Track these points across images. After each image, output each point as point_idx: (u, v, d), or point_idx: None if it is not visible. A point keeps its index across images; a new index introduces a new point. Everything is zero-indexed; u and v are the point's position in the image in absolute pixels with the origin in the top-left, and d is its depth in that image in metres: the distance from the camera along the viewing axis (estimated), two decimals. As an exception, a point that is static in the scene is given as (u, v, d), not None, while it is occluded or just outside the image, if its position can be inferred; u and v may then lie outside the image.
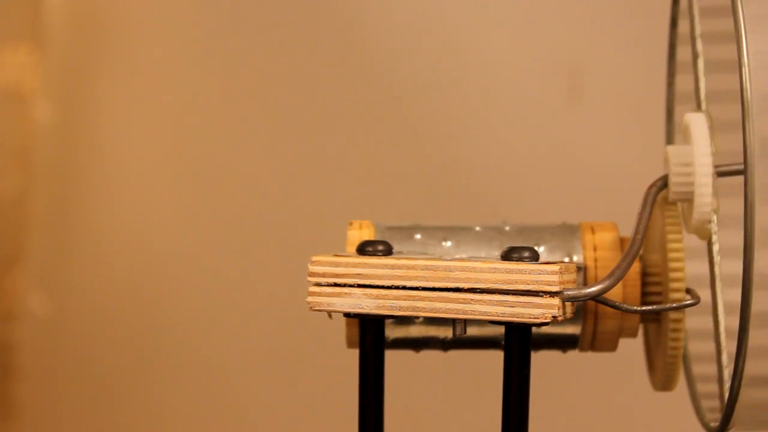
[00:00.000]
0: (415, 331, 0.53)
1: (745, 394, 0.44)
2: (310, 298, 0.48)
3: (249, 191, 1.17)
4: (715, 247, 0.50)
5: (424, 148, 1.10)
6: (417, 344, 0.54)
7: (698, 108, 0.51)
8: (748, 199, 0.42)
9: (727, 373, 0.46)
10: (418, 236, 0.53)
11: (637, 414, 1.03)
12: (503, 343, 0.48)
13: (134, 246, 1.21)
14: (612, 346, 0.54)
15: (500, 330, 0.52)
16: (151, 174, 1.21)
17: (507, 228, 0.54)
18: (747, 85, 0.43)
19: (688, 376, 0.56)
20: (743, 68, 0.43)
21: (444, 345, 0.54)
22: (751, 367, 0.43)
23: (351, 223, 0.54)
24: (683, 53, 0.57)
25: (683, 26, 0.56)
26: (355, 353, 0.50)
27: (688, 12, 0.54)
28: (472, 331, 0.53)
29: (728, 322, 0.48)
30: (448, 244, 0.53)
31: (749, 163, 0.42)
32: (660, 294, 0.53)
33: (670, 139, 0.59)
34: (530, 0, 1.08)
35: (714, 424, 0.50)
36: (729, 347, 0.47)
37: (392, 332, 0.53)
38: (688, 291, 0.52)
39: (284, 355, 1.16)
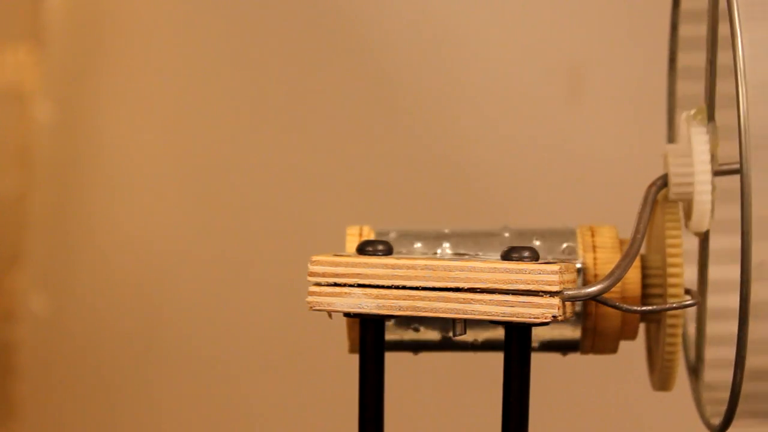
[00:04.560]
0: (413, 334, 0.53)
1: (747, 388, 0.44)
2: (310, 298, 0.48)
3: (249, 191, 1.17)
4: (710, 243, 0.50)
5: (423, 148, 1.10)
6: (415, 346, 0.54)
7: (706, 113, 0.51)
8: (744, 195, 0.42)
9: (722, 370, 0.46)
10: (418, 244, 0.54)
11: (636, 415, 1.03)
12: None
13: (134, 246, 1.21)
14: (613, 348, 0.54)
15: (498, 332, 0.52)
16: (151, 174, 1.21)
17: (506, 230, 0.54)
18: (741, 82, 0.43)
19: (692, 376, 0.56)
20: (738, 64, 0.43)
21: (444, 346, 0.54)
22: (751, 361, 0.44)
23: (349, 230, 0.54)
24: (684, 52, 0.57)
25: (684, 29, 0.57)
26: (355, 354, 0.50)
27: (691, 10, 0.54)
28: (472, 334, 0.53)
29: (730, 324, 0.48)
30: (447, 245, 0.53)
31: (744, 159, 0.42)
32: (660, 294, 0.53)
33: (671, 139, 0.59)
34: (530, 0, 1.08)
35: (716, 421, 0.50)
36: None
37: (391, 335, 0.53)
38: (688, 291, 0.52)
39: (284, 355, 1.16)
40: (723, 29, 0.49)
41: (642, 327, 0.55)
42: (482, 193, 1.08)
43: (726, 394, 0.46)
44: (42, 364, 1.26)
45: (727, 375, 0.45)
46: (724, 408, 0.46)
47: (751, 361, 0.44)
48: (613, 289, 0.48)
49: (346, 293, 0.48)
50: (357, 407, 0.49)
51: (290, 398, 1.16)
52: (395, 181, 1.11)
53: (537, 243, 0.53)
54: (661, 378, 0.53)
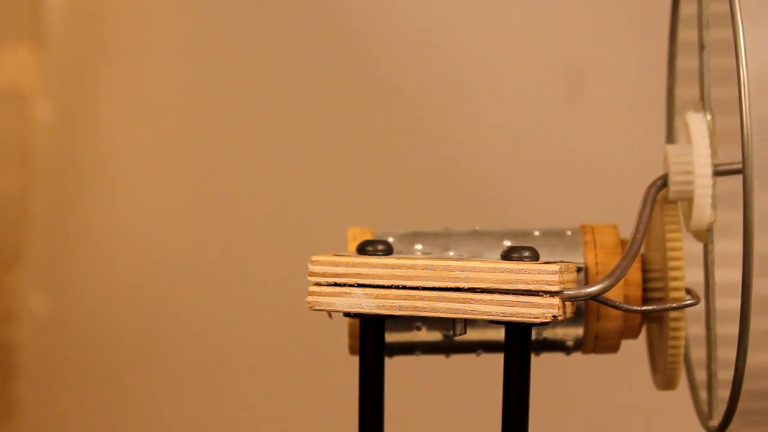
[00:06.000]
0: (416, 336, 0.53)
1: (746, 391, 0.44)
2: (310, 298, 0.48)
3: (249, 191, 1.17)
4: (712, 248, 0.50)
5: (423, 148, 1.10)
6: (417, 348, 0.54)
7: (701, 108, 0.51)
8: (747, 196, 0.42)
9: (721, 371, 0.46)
10: (418, 246, 0.54)
11: (638, 414, 1.03)
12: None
13: (134, 246, 1.21)
14: (614, 348, 0.54)
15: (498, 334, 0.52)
16: (151, 174, 1.21)
17: (507, 230, 0.54)
18: (744, 81, 0.43)
19: (689, 377, 0.56)
20: (740, 65, 0.43)
21: (445, 349, 0.54)
22: (752, 364, 0.44)
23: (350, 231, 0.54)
24: (683, 53, 0.57)
25: (683, 29, 0.57)
26: (355, 355, 0.50)
27: (690, 15, 0.54)
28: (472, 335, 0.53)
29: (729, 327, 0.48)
30: (449, 250, 0.53)
31: (747, 158, 0.42)
32: (661, 294, 0.53)
33: (670, 139, 0.59)
34: (530, 0, 1.08)
35: (714, 424, 0.50)
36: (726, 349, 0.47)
37: (392, 338, 0.53)
38: (688, 291, 0.52)
39: (284, 355, 1.16)
40: (722, 29, 0.49)
41: (644, 328, 0.55)
42: (482, 193, 1.08)
43: (725, 394, 0.46)
44: (42, 364, 1.26)
45: (727, 376, 0.45)
46: (722, 409, 0.46)
47: (751, 362, 0.44)
48: (614, 289, 0.48)
49: (346, 293, 0.48)
50: (357, 407, 0.49)
51: (290, 398, 1.16)
52: (395, 181, 1.11)
53: (537, 242, 0.53)
54: (665, 377, 0.53)
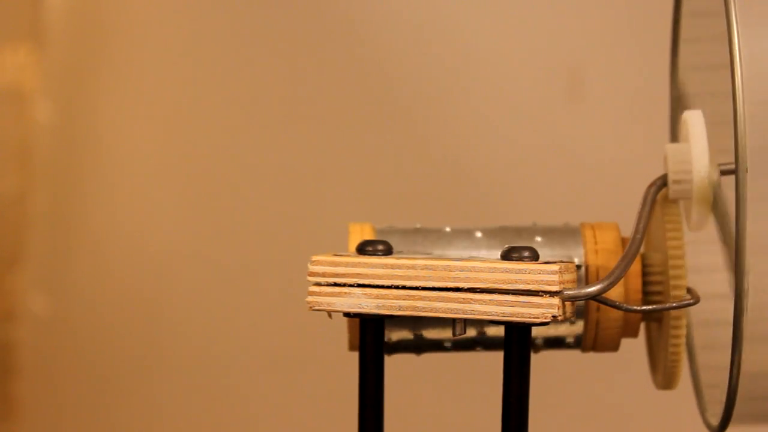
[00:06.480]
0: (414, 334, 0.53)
1: (744, 388, 0.44)
2: (310, 298, 0.48)
3: (249, 191, 1.17)
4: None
5: (423, 148, 1.10)
6: (418, 347, 0.54)
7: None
8: (739, 197, 0.42)
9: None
10: (418, 238, 0.54)
11: (637, 414, 1.03)
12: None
13: (134, 246, 1.21)
14: (614, 346, 0.54)
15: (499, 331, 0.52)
16: (151, 174, 1.21)
17: (507, 228, 0.54)
18: (738, 82, 0.43)
19: (693, 375, 0.56)
20: (735, 64, 0.43)
21: (445, 347, 0.54)
22: (748, 360, 0.44)
23: (351, 227, 0.54)
24: (686, 48, 0.57)
25: (685, 28, 0.57)
26: (355, 354, 0.50)
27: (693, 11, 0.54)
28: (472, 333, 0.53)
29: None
30: (449, 247, 0.53)
31: (740, 160, 0.42)
32: (661, 293, 0.53)
33: (674, 137, 0.59)
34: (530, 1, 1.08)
35: (715, 422, 0.50)
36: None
37: (392, 335, 0.53)
38: (688, 290, 0.52)
39: (284, 355, 1.16)
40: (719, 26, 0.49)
41: (643, 326, 0.55)
42: (483, 192, 1.08)
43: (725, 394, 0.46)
44: (42, 364, 1.26)
45: (726, 375, 0.45)
46: (722, 408, 0.46)
47: (747, 362, 0.44)
48: (613, 288, 0.48)
49: (346, 293, 0.48)
50: (357, 407, 0.49)
51: (290, 398, 1.16)
52: (396, 181, 1.11)
53: (539, 240, 0.53)
54: (665, 377, 0.53)
